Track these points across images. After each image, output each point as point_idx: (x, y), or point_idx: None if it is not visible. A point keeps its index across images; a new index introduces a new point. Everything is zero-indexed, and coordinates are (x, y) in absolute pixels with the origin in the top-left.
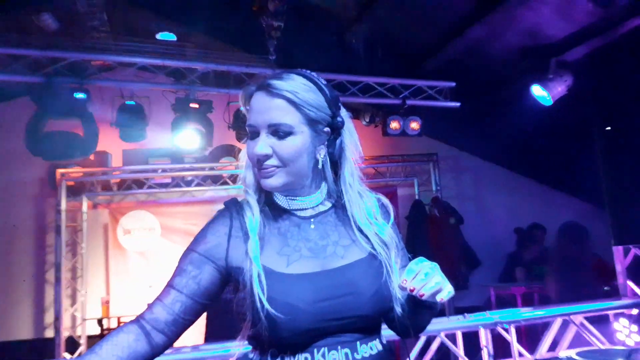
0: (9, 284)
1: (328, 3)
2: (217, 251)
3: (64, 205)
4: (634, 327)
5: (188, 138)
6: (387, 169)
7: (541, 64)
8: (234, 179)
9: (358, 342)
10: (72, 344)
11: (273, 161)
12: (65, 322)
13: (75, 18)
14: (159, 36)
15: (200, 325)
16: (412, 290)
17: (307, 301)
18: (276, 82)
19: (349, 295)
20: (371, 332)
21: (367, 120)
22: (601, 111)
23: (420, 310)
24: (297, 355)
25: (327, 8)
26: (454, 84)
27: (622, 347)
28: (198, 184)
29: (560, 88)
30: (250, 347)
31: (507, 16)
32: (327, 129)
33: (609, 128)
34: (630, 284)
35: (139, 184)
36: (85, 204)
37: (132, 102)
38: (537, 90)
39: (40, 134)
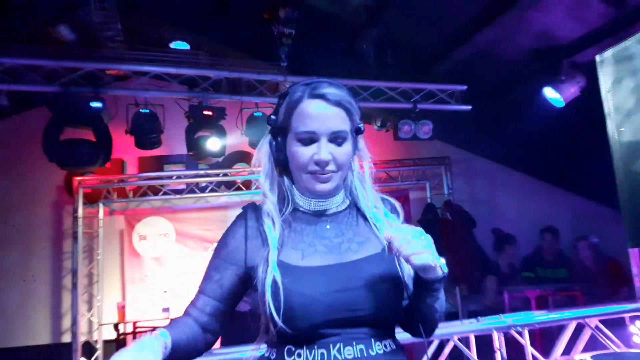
0: (27, 290)
1: (338, 9)
2: (236, 254)
3: (80, 212)
4: None
5: (208, 142)
6: (399, 173)
7: (553, 66)
8: (247, 184)
9: (373, 339)
10: (88, 349)
11: (332, 167)
12: (82, 327)
13: (90, 29)
14: (172, 45)
15: None
16: (389, 240)
17: (321, 291)
18: (331, 92)
19: (363, 288)
20: (385, 329)
21: (379, 124)
22: (615, 112)
23: (422, 293)
24: (312, 351)
25: (337, 14)
26: (465, 87)
27: (638, 351)
28: (212, 190)
29: (572, 90)
30: (263, 351)
31: (517, 18)
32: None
33: (622, 129)
34: None
35: (154, 190)
36: (101, 211)
37: (147, 110)
38: (549, 92)
39: (56, 141)
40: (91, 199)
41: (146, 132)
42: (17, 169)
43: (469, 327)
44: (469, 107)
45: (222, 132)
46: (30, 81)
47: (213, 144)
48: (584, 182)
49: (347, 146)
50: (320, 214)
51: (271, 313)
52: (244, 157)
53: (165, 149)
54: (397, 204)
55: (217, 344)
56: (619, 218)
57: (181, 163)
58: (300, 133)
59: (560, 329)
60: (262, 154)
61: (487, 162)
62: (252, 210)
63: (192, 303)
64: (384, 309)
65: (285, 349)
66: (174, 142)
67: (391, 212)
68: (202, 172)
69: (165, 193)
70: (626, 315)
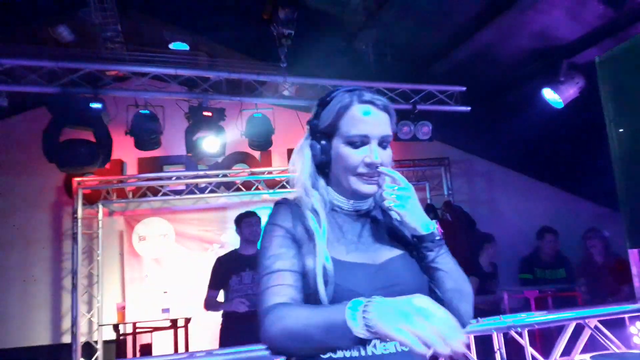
0: (27, 291)
1: (337, 10)
2: (293, 232)
3: (80, 212)
4: None
5: (208, 143)
6: None
7: (552, 67)
8: (247, 185)
9: None
10: (88, 350)
11: (380, 169)
12: (82, 327)
13: (89, 29)
14: (171, 46)
15: (214, 332)
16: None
17: (365, 289)
18: (377, 98)
19: (397, 286)
20: None
21: None
22: (614, 113)
23: (422, 253)
24: (345, 352)
25: (336, 15)
26: (464, 88)
27: (638, 351)
28: (212, 191)
29: (571, 90)
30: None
31: (516, 19)
32: None
33: (622, 130)
34: None
35: (154, 191)
36: (101, 212)
37: (147, 111)
38: (548, 93)
39: (56, 142)
40: (91, 200)
41: (146, 133)
42: (17, 169)
43: (469, 327)
44: (468, 108)
45: (221, 133)
46: (29, 82)
47: (212, 144)
48: (584, 183)
49: (389, 150)
50: (353, 214)
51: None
52: (243, 158)
53: (165, 150)
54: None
55: (216, 344)
56: (618, 219)
57: (181, 164)
58: (351, 136)
59: (559, 329)
60: (302, 156)
61: (487, 163)
62: (290, 203)
63: (277, 284)
64: None
65: None
66: (174, 143)
67: None
68: (201, 173)
69: (164, 194)
70: (626, 316)
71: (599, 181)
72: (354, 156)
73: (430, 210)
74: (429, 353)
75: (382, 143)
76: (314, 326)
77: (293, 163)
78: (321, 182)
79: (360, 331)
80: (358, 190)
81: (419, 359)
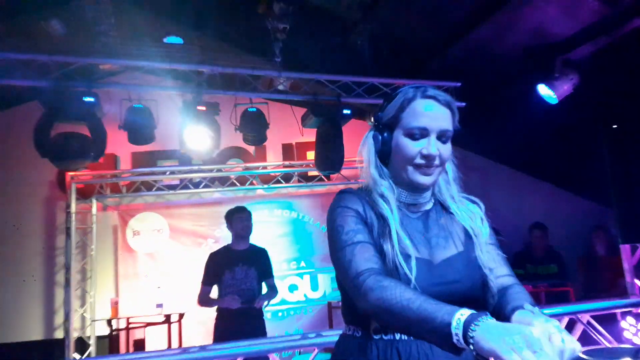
0: (20, 286)
1: (332, 4)
2: (363, 215)
3: (73, 207)
4: None
5: (199, 138)
6: None
7: (547, 63)
8: (241, 180)
9: None
10: (81, 345)
11: (437, 161)
12: (75, 323)
13: (82, 23)
14: (166, 40)
15: (208, 327)
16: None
17: (425, 283)
18: (439, 94)
19: (454, 284)
20: None
21: (373, 120)
22: (607, 109)
23: None
24: (396, 333)
25: (331, 9)
26: (459, 84)
27: (629, 346)
28: (206, 186)
29: (566, 87)
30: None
31: (512, 15)
32: None
33: (615, 126)
34: (638, 282)
35: (148, 186)
36: (94, 206)
37: (140, 105)
38: (542, 89)
39: (48, 137)
40: (84, 195)
41: (140, 127)
42: (9, 164)
43: None
44: (463, 104)
45: (215, 127)
46: (22, 76)
47: (206, 139)
48: (577, 179)
49: (449, 145)
50: (411, 207)
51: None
52: (238, 152)
53: (159, 144)
54: (478, 200)
55: (210, 340)
56: (611, 214)
57: (175, 158)
58: (411, 128)
59: None
60: (366, 148)
61: (481, 159)
62: (357, 191)
63: (362, 253)
64: (468, 303)
65: (372, 328)
66: (168, 138)
67: (472, 208)
68: (195, 167)
69: (158, 188)
70: (618, 311)
71: (593, 178)
72: (412, 147)
73: None
74: None
75: (442, 137)
76: (414, 312)
77: (360, 154)
78: (386, 171)
79: (460, 341)
80: (414, 181)
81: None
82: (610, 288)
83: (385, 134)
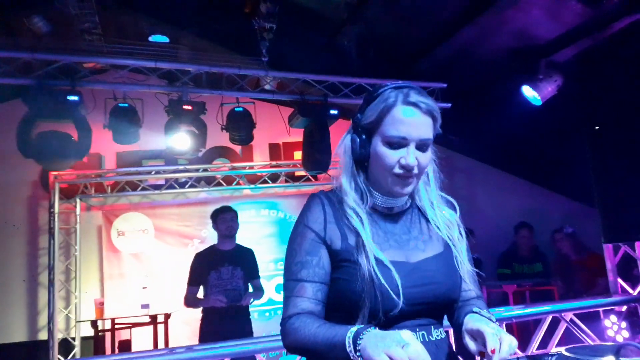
0: (3, 287)
1: (319, 5)
2: (322, 235)
3: (57, 207)
4: (623, 324)
5: (181, 140)
6: None
7: (531, 65)
8: (227, 180)
9: (432, 327)
10: (66, 346)
11: (415, 171)
12: (59, 324)
13: (66, 20)
14: (151, 38)
15: (194, 327)
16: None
17: (403, 286)
18: (423, 100)
19: (431, 285)
20: (441, 319)
21: None
22: (590, 111)
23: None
24: None
25: (318, 10)
26: (445, 85)
27: (612, 343)
28: (192, 185)
29: (550, 88)
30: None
31: (496, 17)
32: None
33: (597, 127)
34: (620, 281)
35: (133, 185)
36: (78, 206)
37: (125, 104)
38: (527, 91)
39: (31, 136)
40: (68, 194)
41: (124, 126)
42: None
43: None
44: (449, 105)
45: (202, 127)
46: (4, 74)
47: (192, 138)
48: (561, 179)
49: (429, 153)
50: (388, 211)
51: (375, 296)
52: (224, 152)
53: (144, 144)
54: (454, 202)
55: (196, 340)
56: (595, 215)
57: (160, 158)
58: (391, 137)
59: (536, 322)
60: (343, 151)
61: (466, 160)
62: (326, 197)
63: (298, 295)
64: (447, 304)
65: None
66: (153, 137)
67: (449, 209)
68: (181, 167)
69: (143, 188)
70: (600, 309)
71: (576, 178)
72: (391, 157)
73: None
74: None
75: (422, 147)
76: (321, 342)
77: (337, 155)
78: (361, 177)
79: (354, 355)
80: (393, 191)
81: (447, 348)
82: (589, 289)
83: (364, 138)
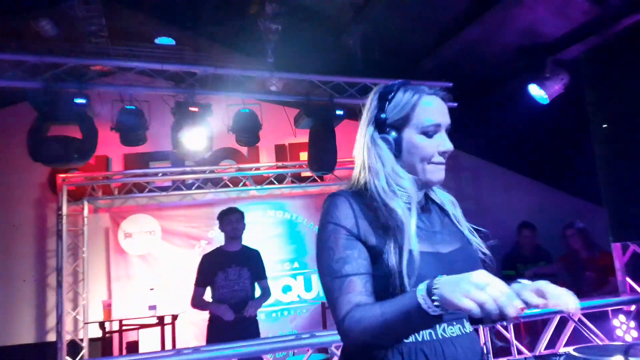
0: (11, 289)
1: (324, 5)
2: (355, 231)
3: (65, 209)
4: (632, 324)
5: (187, 141)
6: None
7: (538, 63)
8: (234, 181)
9: (464, 319)
10: (74, 348)
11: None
12: (67, 325)
13: (73, 23)
14: (157, 41)
15: (202, 328)
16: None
17: (433, 277)
18: (436, 90)
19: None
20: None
21: None
22: (598, 109)
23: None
24: (418, 335)
25: (323, 10)
26: (450, 84)
27: (620, 343)
28: (198, 187)
29: (556, 87)
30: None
31: (503, 15)
32: None
33: (605, 126)
34: (629, 280)
35: (140, 187)
36: (86, 208)
37: (132, 107)
38: (533, 89)
39: (41, 140)
40: (75, 197)
41: (132, 128)
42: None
43: None
44: (455, 104)
45: (208, 128)
46: (11, 77)
47: (199, 140)
48: (568, 178)
49: None
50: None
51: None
52: (230, 153)
53: (151, 146)
54: (453, 198)
55: (204, 341)
56: (603, 213)
57: (167, 160)
58: (427, 125)
59: (544, 322)
60: (379, 150)
61: (473, 159)
62: (350, 195)
63: (348, 292)
64: None
65: None
66: (160, 139)
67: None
68: (188, 169)
69: (150, 190)
70: (609, 309)
71: (584, 176)
72: (430, 145)
73: None
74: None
75: (447, 131)
76: (391, 318)
77: (358, 156)
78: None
79: (433, 308)
80: (431, 180)
81: (478, 340)
82: (598, 287)
83: (395, 135)
